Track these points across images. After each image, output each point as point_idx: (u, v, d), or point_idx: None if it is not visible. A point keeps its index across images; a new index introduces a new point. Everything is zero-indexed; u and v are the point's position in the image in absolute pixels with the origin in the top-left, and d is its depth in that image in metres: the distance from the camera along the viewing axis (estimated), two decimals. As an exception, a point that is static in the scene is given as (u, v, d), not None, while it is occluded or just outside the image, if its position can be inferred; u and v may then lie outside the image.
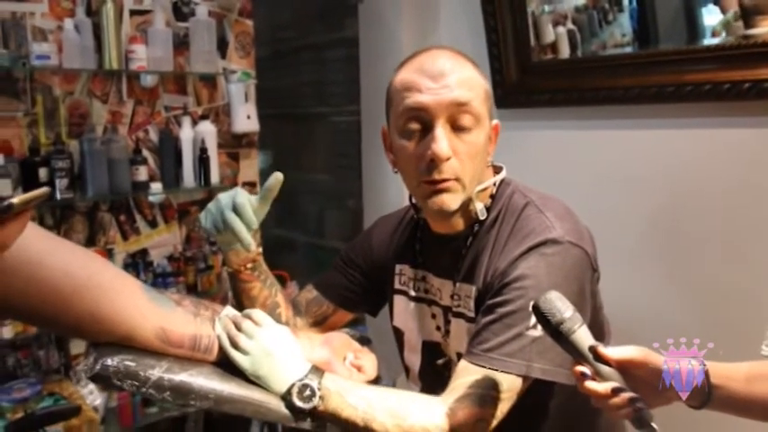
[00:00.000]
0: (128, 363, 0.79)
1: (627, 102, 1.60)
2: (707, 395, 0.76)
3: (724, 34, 1.42)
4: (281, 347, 0.87)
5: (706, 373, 0.76)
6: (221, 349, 0.87)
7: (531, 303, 0.78)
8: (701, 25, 1.50)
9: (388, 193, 2.24)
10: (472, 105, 0.92)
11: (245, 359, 0.85)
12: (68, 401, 1.79)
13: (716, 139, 1.47)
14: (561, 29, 1.74)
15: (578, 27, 1.70)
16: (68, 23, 1.87)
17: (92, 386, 1.88)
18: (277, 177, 0.95)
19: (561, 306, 0.75)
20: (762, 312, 1.36)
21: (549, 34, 1.76)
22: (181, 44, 2.12)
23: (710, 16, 1.47)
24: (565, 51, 1.74)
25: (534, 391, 0.90)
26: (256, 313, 0.91)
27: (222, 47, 2.24)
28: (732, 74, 1.39)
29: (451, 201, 0.93)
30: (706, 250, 1.51)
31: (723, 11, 1.43)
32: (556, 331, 0.75)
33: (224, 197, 0.97)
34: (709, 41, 1.47)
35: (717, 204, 1.48)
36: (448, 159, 0.91)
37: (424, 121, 0.92)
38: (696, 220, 1.52)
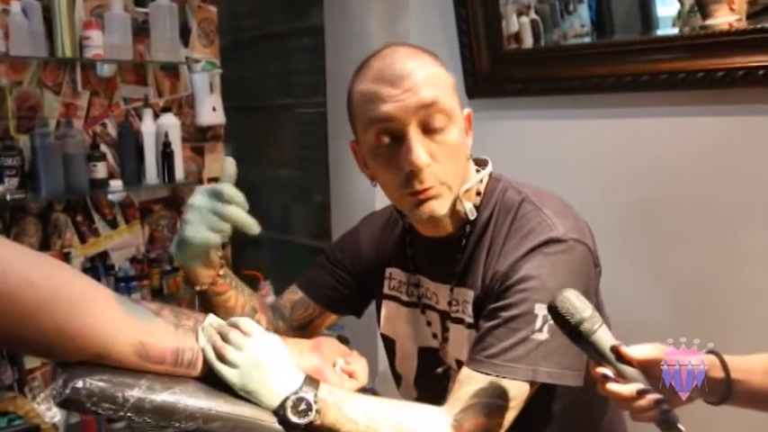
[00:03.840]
0: (102, 384, 0.72)
1: (596, 91, 1.63)
2: (727, 391, 0.74)
3: (682, 24, 1.48)
4: (273, 358, 0.81)
5: (725, 368, 0.75)
6: (206, 363, 0.80)
7: (548, 303, 0.76)
8: (655, 17, 1.56)
9: (357, 187, 2.24)
10: (441, 103, 0.87)
11: (233, 373, 0.79)
12: (25, 420, 1.71)
13: (682, 128, 1.50)
14: (525, 19, 1.78)
15: (541, 17, 1.75)
16: (15, 6, 1.79)
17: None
18: (231, 162, 0.92)
19: (580, 305, 0.73)
20: (738, 303, 1.43)
21: (514, 24, 1.80)
22: (140, 31, 2.06)
23: (664, 7, 1.53)
24: (528, 41, 1.78)
25: (537, 396, 0.88)
26: (244, 322, 0.85)
27: (185, 34, 2.19)
28: (691, 63, 1.43)
29: (440, 206, 0.90)
30: (677, 240, 1.53)
31: (681, 2, 1.48)
32: (575, 332, 0.73)
33: (200, 200, 0.90)
34: (666, 32, 1.52)
35: (686, 193, 1.51)
36: (428, 167, 0.87)
37: (393, 132, 0.88)
38: (665, 208, 1.55)
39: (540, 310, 0.84)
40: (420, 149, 0.86)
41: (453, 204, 0.93)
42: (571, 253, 0.89)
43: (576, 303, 0.73)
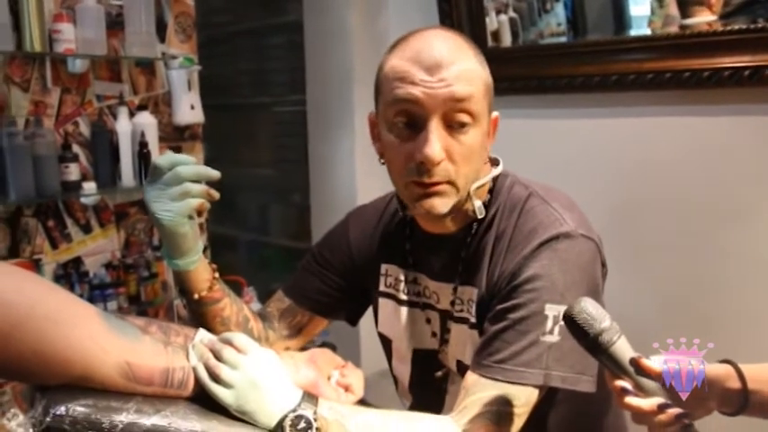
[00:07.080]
0: (86, 409, 0.69)
1: (583, 90, 1.62)
2: (743, 401, 0.73)
3: (661, 24, 1.49)
4: (269, 376, 0.78)
5: (742, 378, 0.73)
6: (198, 383, 0.78)
7: (564, 313, 0.74)
8: (628, 16, 1.58)
9: (339, 186, 2.23)
10: (471, 102, 0.85)
11: (228, 393, 0.76)
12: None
13: (669, 128, 1.49)
14: (503, 17, 1.79)
15: (519, 15, 1.76)
16: (-22, -3, 1.67)
17: (21, 417, 1.66)
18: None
19: (598, 315, 0.71)
20: (721, 303, 1.43)
21: (493, 22, 1.80)
22: (114, 24, 1.97)
23: (637, 7, 1.55)
24: (507, 39, 1.78)
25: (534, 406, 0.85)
26: (238, 338, 0.81)
27: (161, 29, 2.10)
28: (677, 63, 1.43)
29: (442, 205, 0.87)
30: (663, 240, 1.53)
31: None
32: (594, 344, 0.71)
33: (147, 183, 0.88)
34: (646, 32, 1.53)
35: (673, 193, 1.51)
36: (440, 163, 0.85)
37: (415, 116, 0.85)
38: (651, 208, 1.55)
39: (551, 310, 0.82)
40: (437, 144, 0.83)
41: (460, 204, 0.91)
42: (581, 250, 0.86)
43: (594, 313, 0.71)
